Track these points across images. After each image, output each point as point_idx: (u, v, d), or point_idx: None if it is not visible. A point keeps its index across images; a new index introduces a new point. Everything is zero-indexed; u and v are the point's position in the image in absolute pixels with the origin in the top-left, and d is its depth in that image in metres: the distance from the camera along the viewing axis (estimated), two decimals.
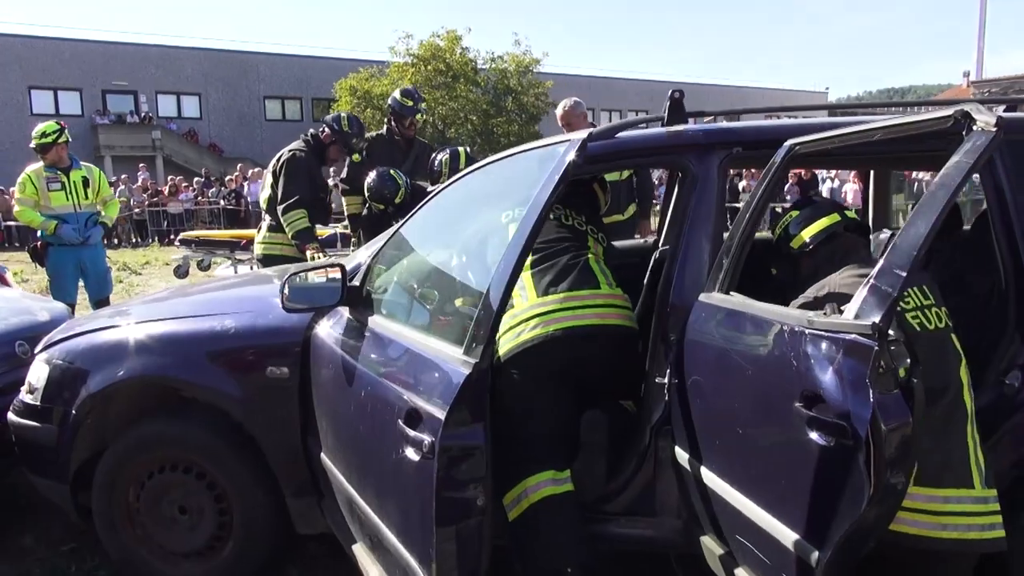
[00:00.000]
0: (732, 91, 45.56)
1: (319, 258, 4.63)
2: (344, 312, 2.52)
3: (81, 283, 5.86)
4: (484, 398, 1.72)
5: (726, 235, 2.33)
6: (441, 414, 1.68)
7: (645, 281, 3.00)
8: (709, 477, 2.10)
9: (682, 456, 2.27)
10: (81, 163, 6.12)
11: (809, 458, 1.61)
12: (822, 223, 2.14)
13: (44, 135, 5.80)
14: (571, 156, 1.96)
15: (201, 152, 30.69)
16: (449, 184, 2.61)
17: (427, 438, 1.70)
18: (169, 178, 22.62)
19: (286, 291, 2.38)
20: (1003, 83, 19.05)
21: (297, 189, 4.94)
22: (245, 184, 19.94)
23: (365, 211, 5.25)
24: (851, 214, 2.24)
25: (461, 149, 4.96)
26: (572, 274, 2.52)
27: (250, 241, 7.28)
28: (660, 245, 3.44)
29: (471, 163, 4.86)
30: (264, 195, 5.27)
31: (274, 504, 2.77)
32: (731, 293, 2.15)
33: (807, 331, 1.60)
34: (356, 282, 2.49)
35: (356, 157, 5.35)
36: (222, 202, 19.94)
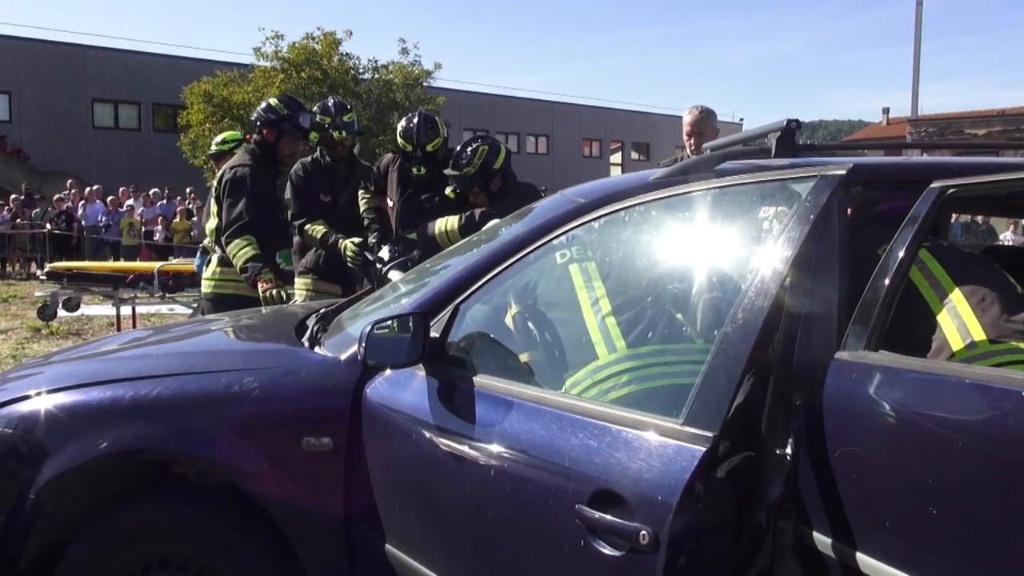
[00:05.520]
0: (641, 117, 47.48)
1: (275, 296, 4.49)
2: (416, 371, 2.44)
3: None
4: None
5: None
6: (666, 497, 1.66)
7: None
8: (871, 566, 2.14)
9: (820, 541, 2.30)
10: None
11: None
12: None
13: (224, 142, 5.97)
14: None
15: (10, 163, 29.01)
16: (561, 229, 2.56)
17: (643, 527, 1.66)
18: None
19: (366, 343, 2.29)
20: (940, 123, 20.65)
21: (244, 211, 4.78)
22: (81, 205, 19.03)
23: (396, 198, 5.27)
24: None
25: (504, 146, 4.94)
26: (661, 324, 2.54)
27: (139, 276, 6.97)
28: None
29: (509, 163, 4.90)
30: (210, 224, 5.15)
31: None
32: (880, 351, 2.22)
33: None
34: (435, 334, 2.42)
35: (313, 136, 5.26)
36: (48, 225, 18.89)
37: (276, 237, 5.01)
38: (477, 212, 4.71)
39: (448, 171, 4.89)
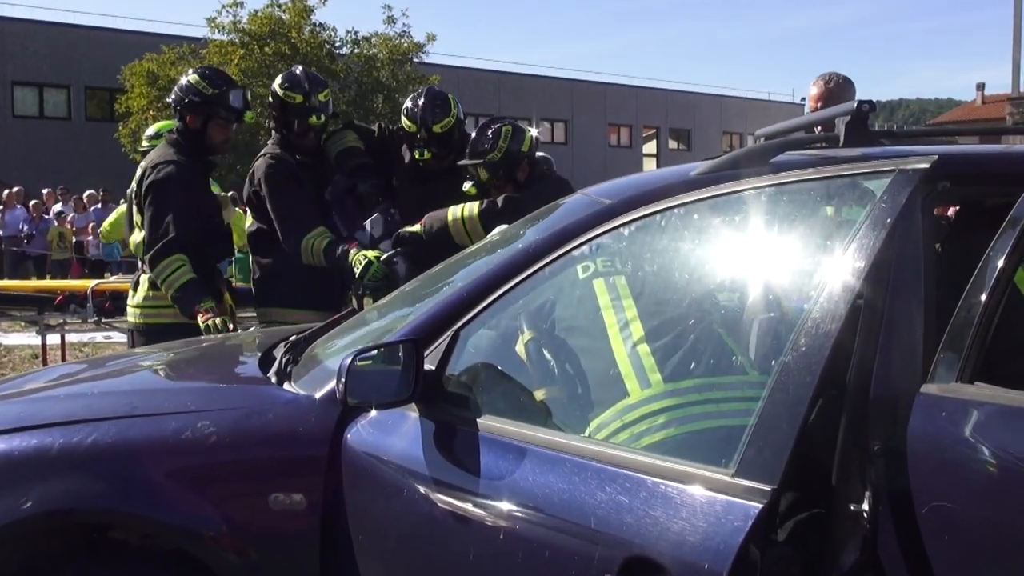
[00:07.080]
0: (680, 97, 47.65)
1: (217, 326, 4.50)
2: (408, 412, 2.46)
3: None
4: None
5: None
6: (714, 565, 1.68)
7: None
8: None
9: None
10: None
11: None
12: None
13: (158, 136, 5.95)
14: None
15: None
16: (584, 236, 2.59)
17: None
18: None
19: (346, 378, 2.30)
20: None
21: (172, 224, 4.69)
22: None
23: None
24: None
25: (532, 131, 5.01)
26: (706, 353, 2.55)
27: (69, 297, 7.01)
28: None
29: (534, 151, 5.00)
30: (135, 237, 5.05)
31: None
32: (976, 383, 2.22)
33: None
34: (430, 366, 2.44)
35: (249, 116, 5.18)
36: None
37: (214, 246, 4.99)
38: (500, 198, 4.74)
39: (466, 161, 4.91)
